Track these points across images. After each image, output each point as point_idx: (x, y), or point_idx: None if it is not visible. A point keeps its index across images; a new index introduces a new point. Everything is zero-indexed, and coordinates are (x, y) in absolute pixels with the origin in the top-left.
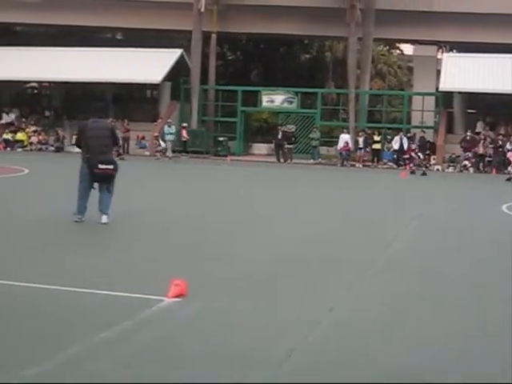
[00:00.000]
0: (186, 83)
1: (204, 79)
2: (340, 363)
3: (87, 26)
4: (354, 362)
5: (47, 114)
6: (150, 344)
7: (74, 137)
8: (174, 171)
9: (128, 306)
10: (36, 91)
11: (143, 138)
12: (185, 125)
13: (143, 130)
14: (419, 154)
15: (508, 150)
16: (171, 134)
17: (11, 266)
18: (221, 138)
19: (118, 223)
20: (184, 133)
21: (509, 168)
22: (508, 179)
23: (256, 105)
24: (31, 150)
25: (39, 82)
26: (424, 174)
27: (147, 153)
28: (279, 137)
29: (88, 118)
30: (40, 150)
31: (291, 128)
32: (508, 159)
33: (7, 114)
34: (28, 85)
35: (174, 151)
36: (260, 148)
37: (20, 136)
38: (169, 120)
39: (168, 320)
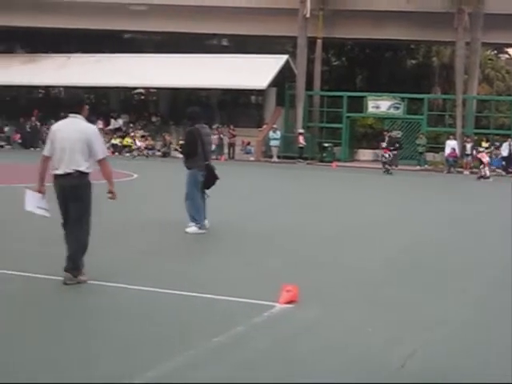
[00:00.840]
0: (291, 89)
1: (309, 85)
2: (455, 371)
3: (193, 32)
4: (466, 368)
5: (154, 119)
6: (267, 349)
7: (182, 143)
8: (281, 176)
9: (240, 311)
10: (143, 97)
11: (248, 143)
12: (302, 131)
13: (248, 135)
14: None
15: None
16: (276, 139)
17: (127, 269)
18: (326, 144)
19: (227, 228)
20: (301, 139)
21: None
22: None
23: (361, 110)
24: (138, 155)
25: (146, 88)
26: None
27: (252, 158)
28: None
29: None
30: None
31: (397, 134)
32: None
33: (115, 119)
34: (135, 91)
35: (279, 157)
36: (365, 154)
37: (127, 141)
38: (274, 126)
39: (283, 326)
